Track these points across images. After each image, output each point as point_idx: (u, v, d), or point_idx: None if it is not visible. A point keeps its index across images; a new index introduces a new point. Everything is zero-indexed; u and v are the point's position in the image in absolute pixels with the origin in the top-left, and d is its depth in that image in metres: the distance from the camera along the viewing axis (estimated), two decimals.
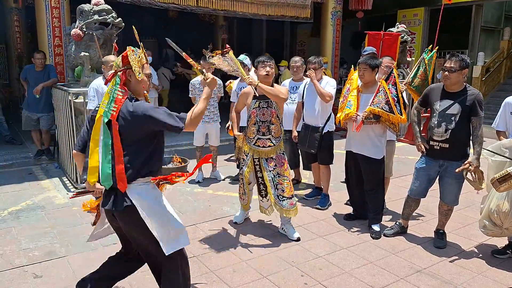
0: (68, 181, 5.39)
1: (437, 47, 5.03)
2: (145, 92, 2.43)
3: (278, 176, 3.84)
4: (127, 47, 2.35)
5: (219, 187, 5.37)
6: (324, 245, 3.77)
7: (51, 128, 6.33)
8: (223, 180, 5.69)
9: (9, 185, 5.33)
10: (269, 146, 3.82)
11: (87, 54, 5.31)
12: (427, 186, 3.79)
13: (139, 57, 2.34)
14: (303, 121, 4.76)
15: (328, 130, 4.68)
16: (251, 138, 3.86)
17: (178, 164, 5.95)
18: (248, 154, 3.91)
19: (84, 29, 5.33)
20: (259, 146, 3.83)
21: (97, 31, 5.31)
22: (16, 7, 9.21)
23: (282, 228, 4.05)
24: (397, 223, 4.05)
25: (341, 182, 4.95)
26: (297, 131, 4.89)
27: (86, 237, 3.77)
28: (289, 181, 3.88)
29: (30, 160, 6.34)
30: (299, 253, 3.62)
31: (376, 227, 4.03)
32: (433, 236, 3.91)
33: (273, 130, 3.81)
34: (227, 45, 3.82)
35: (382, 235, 3.96)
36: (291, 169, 5.70)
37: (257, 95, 3.67)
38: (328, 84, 4.61)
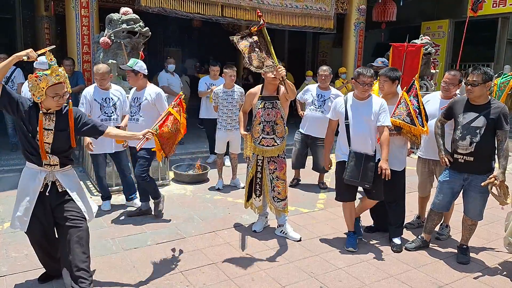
0: (91, 185, 5.51)
1: None
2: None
3: (276, 179, 4.00)
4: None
5: (238, 195, 5.39)
6: (344, 257, 3.74)
7: None
8: (243, 187, 5.71)
9: None
10: (273, 145, 3.93)
11: (114, 61, 5.46)
12: (451, 199, 3.73)
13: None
14: (349, 146, 3.74)
15: (379, 158, 3.74)
16: (256, 138, 3.99)
17: (199, 171, 6.03)
18: (253, 153, 4.04)
19: (113, 38, 5.49)
20: (263, 145, 3.95)
21: (124, 39, 5.46)
22: (47, 15, 9.54)
23: (281, 231, 4.14)
24: (419, 237, 3.98)
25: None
26: (342, 161, 3.82)
27: (109, 241, 3.88)
28: (285, 184, 4.04)
29: None
30: (318, 264, 3.60)
31: (397, 240, 3.97)
32: (456, 251, 3.83)
33: (277, 130, 3.92)
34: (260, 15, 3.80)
35: (403, 249, 3.91)
36: (296, 169, 5.83)
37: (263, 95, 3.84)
38: (382, 110, 3.68)
